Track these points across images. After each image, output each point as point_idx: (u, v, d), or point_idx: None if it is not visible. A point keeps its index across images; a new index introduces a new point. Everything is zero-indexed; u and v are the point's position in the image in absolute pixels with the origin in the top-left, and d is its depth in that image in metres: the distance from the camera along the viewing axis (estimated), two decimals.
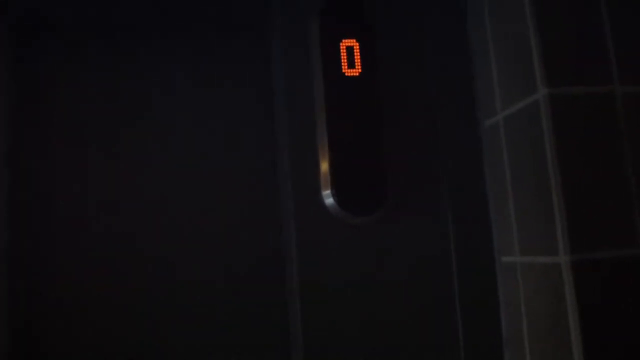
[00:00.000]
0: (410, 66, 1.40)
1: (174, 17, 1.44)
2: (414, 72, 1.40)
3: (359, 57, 1.31)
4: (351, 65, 1.31)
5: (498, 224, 1.32)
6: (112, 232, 1.35)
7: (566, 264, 1.04)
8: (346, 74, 1.30)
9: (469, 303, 1.32)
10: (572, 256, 1.03)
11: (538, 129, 1.11)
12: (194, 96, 1.43)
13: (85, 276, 1.33)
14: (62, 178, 1.37)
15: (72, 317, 1.32)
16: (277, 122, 1.42)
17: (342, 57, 1.30)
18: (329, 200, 1.27)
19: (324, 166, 1.27)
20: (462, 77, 1.39)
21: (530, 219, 1.18)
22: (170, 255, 1.36)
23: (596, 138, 1.07)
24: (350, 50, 1.31)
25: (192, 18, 1.45)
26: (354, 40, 1.31)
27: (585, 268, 1.03)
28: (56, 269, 1.33)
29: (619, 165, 1.07)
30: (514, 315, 1.27)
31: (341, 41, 1.31)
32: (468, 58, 1.40)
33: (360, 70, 1.31)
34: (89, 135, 1.39)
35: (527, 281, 1.20)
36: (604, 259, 1.03)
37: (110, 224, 1.36)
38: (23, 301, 1.30)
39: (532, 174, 1.15)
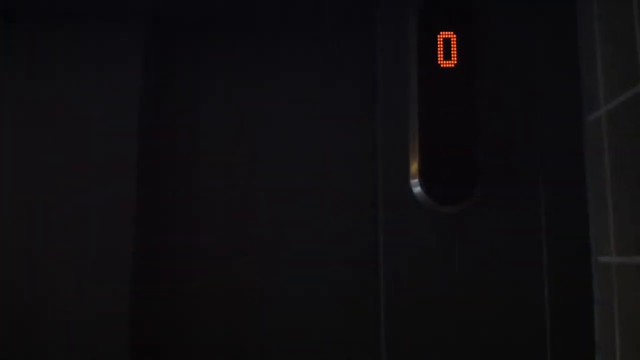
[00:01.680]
0: (511, 57, 1.38)
1: (288, 17, 1.54)
2: (514, 63, 1.38)
3: (455, 48, 1.32)
4: (447, 56, 1.32)
5: (596, 222, 1.26)
6: (230, 223, 1.48)
7: None
8: (441, 65, 1.32)
9: (560, 304, 1.28)
10: None
11: (638, 122, 1.05)
12: (305, 94, 1.53)
13: (197, 271, 1.46)
14: (185, 174, 1.50)
15: (184, 312, 1.44)
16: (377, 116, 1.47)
17: (439, 49, 1.32)
18: (417, 188, 1.30)
19: (414, 155, 1.30)
20: (567, 68, 1.34)
21: (627, 218, 1.12)
22: (278, 242, 1.47)
23: None
24: (447, 41, 1.32)
25: (303, 16, 1.53)
26: (452, 32, 1.32)
27: None
28: (175, 265, 1.46)
29: None
30: (607, 319, 1.20)
31: (439, 33, 1.32)
32: (573, 50, 1.34)
33: (455, 62, 1.31)
34: (211, 131, 1.51)
35: (622, 282, 1.14)
36: None
37: (228, 214, 1.48)
38: (144, 295, 1.41)
39: (632, 171, 1.09)
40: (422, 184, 1.28)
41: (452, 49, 1.31)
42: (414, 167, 1.30)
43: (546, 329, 1.28)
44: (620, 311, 1.15)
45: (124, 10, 1.45)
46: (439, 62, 1.32)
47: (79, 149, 1.41)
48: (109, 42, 1.45)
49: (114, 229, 1.37)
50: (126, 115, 1.42)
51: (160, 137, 1.50)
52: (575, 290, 1.28)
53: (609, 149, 1.20)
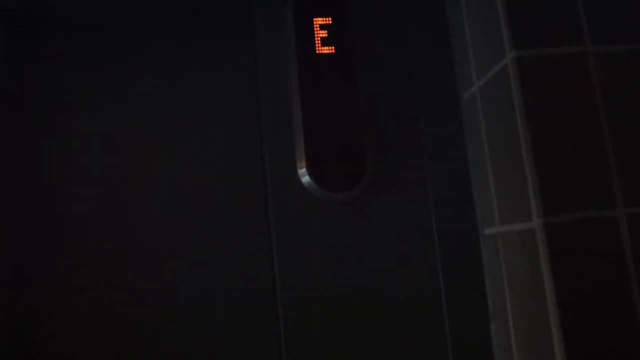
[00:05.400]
0: (388, 41, 1.39)
1: (161, 15, 1.44)
2: (392, 47, 1.39)
3: (333, 34, 1.31)
4: (325, 42, 1.30)
5: (480, 195, 1.30)
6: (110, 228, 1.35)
7: (539, 227, 1.02)
8: (320, 51, 1.30)
9: (454, 278, 1.30)
10: (545, 219, 1.00)
11: (508, 94, 1.08)
12: (180, 90, 1.42)
13: (82, 277, 1.31)
14: (54, 179, 1.36)
15: (68, 321, 1.30)
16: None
17: (316, 35, 1.30)
18: (305, 177, 1.27)
19: (299, 144, 1.27)
20: (441, 48, 1.37)
21: (507, 187, 1.15)
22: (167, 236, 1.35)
23: (568, 99, 1.04)
24: (324, 27, 1.31)
25: (175, 14, 1.45)
26: (328, 18, 1.31)
27: (559, 231, 1.00)
28: (54, 270, 1.32)
29: (593, 126, 1.04)
30: (498, 288, 1.24)
31: (314, 18, 1.30)
32: (446, 29, 1.38)
33: (334, 47, 1.30)
34: (78, 133, 1.38)
35: (507, 251, 1.18)
36: (578, 221, 1.00)
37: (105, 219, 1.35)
38: (20, 303, 1.28)
39: (505, 141, 1.13)
40: (310, 172, 1.25)
41: (329, 34, 1.30)
42: (301, 156, 1.27)
43: (442, 306, 1.29)
44: (508, 279, 1.18)
45: None
46: (317, 48, 1.30)
47: None
48: None
49: None
50: None
51: (20, 141, 1.35)
52: (467, 264, 1.30)
53: (484, 122, 1.23)
